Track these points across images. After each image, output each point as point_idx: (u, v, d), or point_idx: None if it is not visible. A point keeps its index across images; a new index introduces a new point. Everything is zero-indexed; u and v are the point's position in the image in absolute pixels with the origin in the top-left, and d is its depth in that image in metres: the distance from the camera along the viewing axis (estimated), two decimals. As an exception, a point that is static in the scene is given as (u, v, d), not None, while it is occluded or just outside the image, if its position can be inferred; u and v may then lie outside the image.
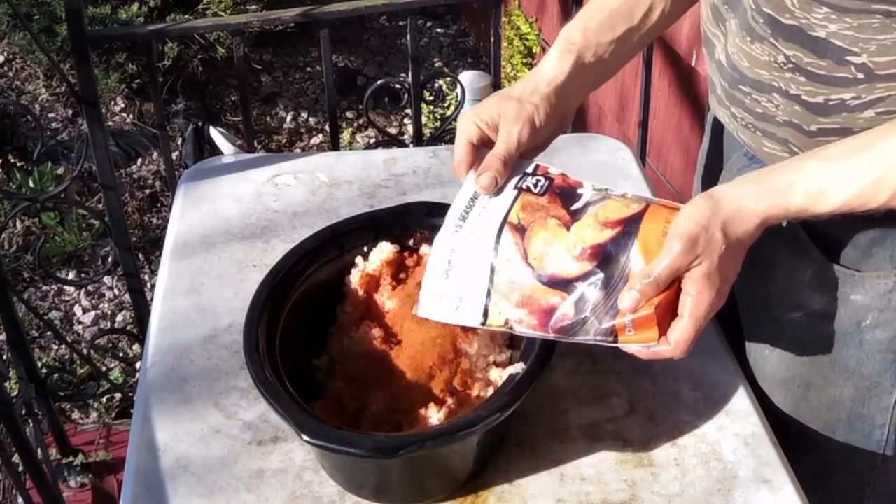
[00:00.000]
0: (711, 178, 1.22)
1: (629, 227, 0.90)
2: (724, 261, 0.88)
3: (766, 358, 1.14)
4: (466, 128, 1.01)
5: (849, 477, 1.17)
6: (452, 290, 0.92)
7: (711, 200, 0.89)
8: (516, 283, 0.90)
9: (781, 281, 1.08)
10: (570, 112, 1.08)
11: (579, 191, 0.94)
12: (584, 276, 0.88)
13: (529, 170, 0.97)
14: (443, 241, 0.94)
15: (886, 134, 0.87)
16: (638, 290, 0.87)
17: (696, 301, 0.88)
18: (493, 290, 0.90)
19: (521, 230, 0.91)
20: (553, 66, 1.05)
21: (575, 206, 0.92)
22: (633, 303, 0.87)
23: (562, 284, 0.89)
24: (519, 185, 0.95)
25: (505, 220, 0.92)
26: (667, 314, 0.88)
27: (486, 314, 0.91)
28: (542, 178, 0.95)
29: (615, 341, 0.88)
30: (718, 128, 1.18)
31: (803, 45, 0.93)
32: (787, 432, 1.10)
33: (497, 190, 0.96)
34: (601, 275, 0.88)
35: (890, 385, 1.07)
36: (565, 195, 0.93)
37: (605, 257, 0.89)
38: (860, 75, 0.91)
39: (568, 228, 0.90)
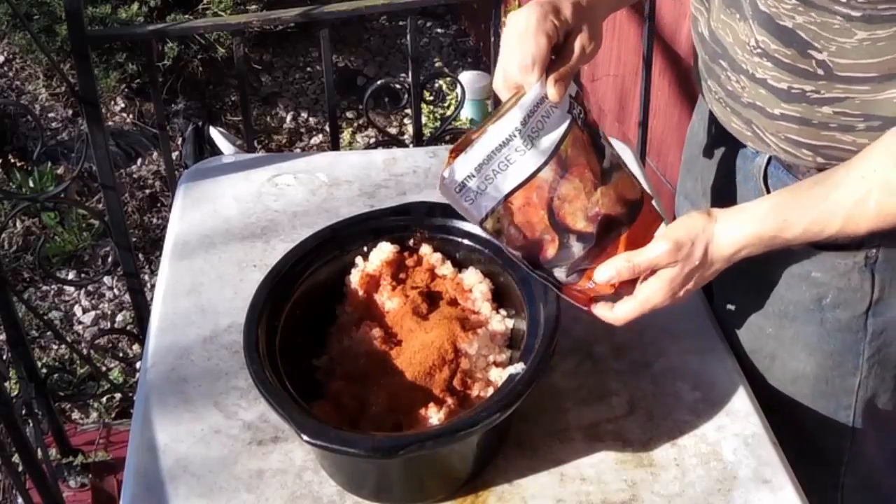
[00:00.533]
0: (694, 148, 1.25)
1: (631, 212, 0.99)
2: (691, 274, 0.96)
3: (733, 327, 1.16)
4: (545, 23, 0.94)
5: (824, 446, 1.17)
6: (479, 181, 0.93)
7: (708, 219, 0.96)
8: (530, 206, 0.95)
9: None
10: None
11: (602, 141, 0.98)
12: (582, 234, 0.96)
13: (573, 93, 0.97)
14: (504, 131, 0.92)
15: (842, 168, 0.92)
16: (615, 269, 0.97)
17: (651, 293, 0.97)
18: (511, 200, 0.94)
19: (563, 167, 0.94)
20: None
21: (604, 165, 0.97)
22: (607, 277, 0.97)
23: (562, 229, 0.96)
24: (571, 112, 0.95)
25: (557, 149, 0.94)
26: (624, 286, 0.99)
27: (488, 216, 0.95)
28: (581, 108, 0.97)
29: (562, 292, 0.99)
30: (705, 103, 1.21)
31: (772, 33, 0.95)
32: (762, 396, 1.11)
33: (552, 118, 0.94)
34: (594, 240, 0.97)
35: (853, 366, 1.09)
36: (596, 144, 0.97)
37: (605, 227, 0.97)
38: (820, 71, 0.93)
39: (595, 189, 0.96)
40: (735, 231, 0.95)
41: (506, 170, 0.92)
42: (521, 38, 0.94)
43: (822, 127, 0.97)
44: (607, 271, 0.97)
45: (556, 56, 0.95)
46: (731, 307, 1.16)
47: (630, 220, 0.99)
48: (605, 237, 0.97)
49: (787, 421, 1.13)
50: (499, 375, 0.98)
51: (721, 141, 1.15)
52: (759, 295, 1.11)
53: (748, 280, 1.11)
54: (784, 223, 0.93)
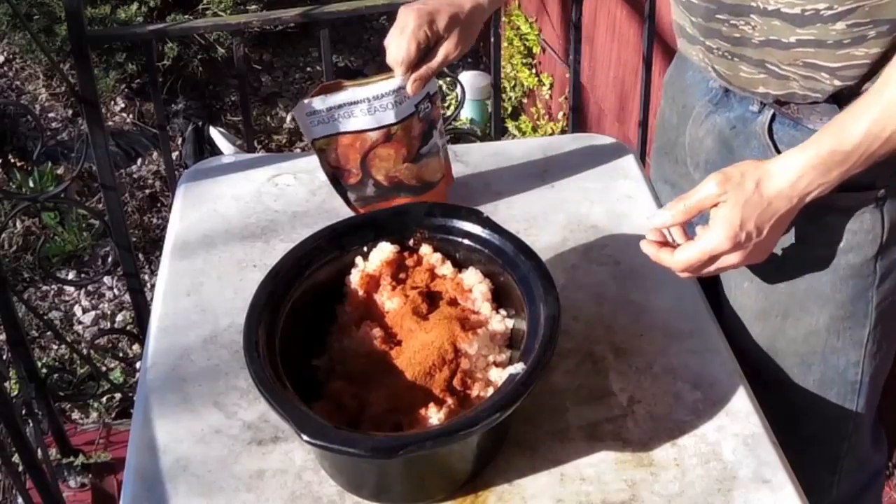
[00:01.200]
0: (669, 133, 1.27)
1: (423, 186, 1.28)
2: (748, 210, 0.95)
3: (744, 290, 1.16)
4: (419, 32, 1.15)
5: (823, 422, 1.18)
6: (326, 116, 1.19)
7: (757, 163, 0.97)
8: (352, 147, 1.22)
9: None
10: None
11: (434, 132, 1.24)
12: (377, 182, 1.25)
13: (432, 90, 1.21)
14: (358, 95, 1.18)
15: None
16: (669, 212, 1.00)
17: (711, 235, 0.97)
18: (341, 138, 1.21)
19: (388, 138, 1.21)
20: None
21: (422, 150, 1.24)
22: (661, 221, 1.01)
23: (366, 172, 1.24)
24: (418, 105, 1.21)
25: (389, 126, 1.20)
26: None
27: (321, 138, 1.21)
28: (429, 104, 1.22)
29: (349, 204, 1.29)
30: (677, 82, 1.24)
31: None
32: (760, 370, 1.11)
33: (402, 105, 1.19)
34: (382, 190, 1.26)
35: (863, 315, 1.10)
36: (426, 133, 1.23)
37: (395, 187, 1.26)
38: None
39: (403, 162, 1.23)
40: (790, 159, 0.94)
41: (347, 119, 1.19)
42: (398, 37, 1.16)
43: (837, 46, 0.98)
44: (661, 215, 1.01)
45: (423, 58, 1.16)
46: (739, 270, 1.15)
47: (419, 192, 1.27)
48: (391, 191, 1.27)
49: (788, 390, 1.13)
50: (499, 375, 0.98)
51: (710, 111, 1.15)
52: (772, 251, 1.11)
53: None
54: (841, 133, 0.92)
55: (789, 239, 1.08)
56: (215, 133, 3.30)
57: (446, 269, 1.08)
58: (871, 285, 1.09)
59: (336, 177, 1.26)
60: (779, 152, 1.06)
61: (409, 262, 1.09)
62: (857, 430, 1.19)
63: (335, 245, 1.09)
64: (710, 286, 1.20)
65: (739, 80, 1.09)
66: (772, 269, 1.11)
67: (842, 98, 1.01)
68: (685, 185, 1.22)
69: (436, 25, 1.15)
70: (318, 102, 1.18)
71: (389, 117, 1.19)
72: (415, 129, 1.22)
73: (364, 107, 1.18)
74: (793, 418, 1.15)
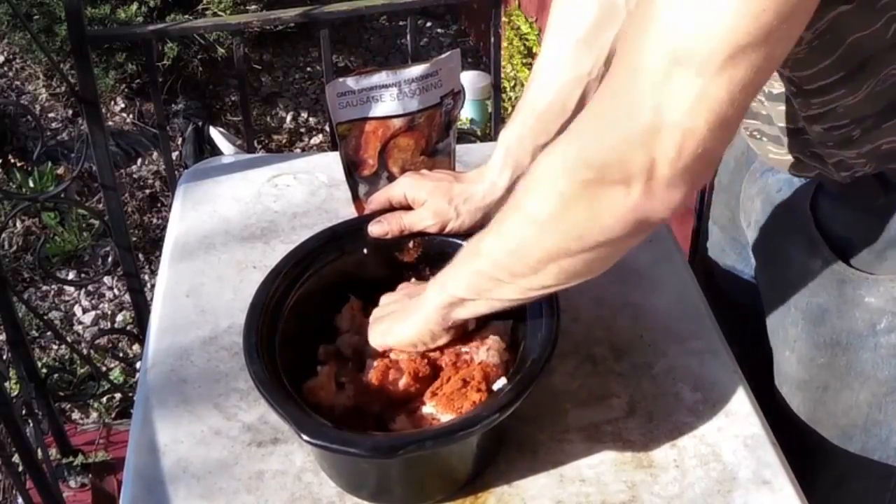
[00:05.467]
0: (723, 175, 1.24)
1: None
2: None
3: (786, 359, 1.14)
4: (398, 190, 1.12)
5: (867, 485, 1.16)
6: (358, 98, 1.18)
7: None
8: (374, 135, 1.21)
9: (797, 281, 1.08)
10: None
11: (449, 133, 1.25)
12: (392, 175, 1.22)
13: (458, 88, 1.22)
14: (391, 79, 1.18)
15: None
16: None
17: None
18: (367, 124, 1.20)
19: (411, 126, 1.21)
20: (494, 178, 1.10)
21: (438, 146, 1.24)
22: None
23: (382, 163, 1.23)
24: (443, 99, 1.21)
25: (413, 114, 1.20)
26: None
27: (346, 122, 1.19)
28: (452, 104, 1.23)
29: (355, 201, 1.28)
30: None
31: None
32: (804, 440, 1.10)
33: (429, 93, 1.20)
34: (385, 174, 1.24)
35: None
36: (443, 130, 1.24)
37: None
38: (793, 88, 0.92)
39: (420, 154, 1.23)
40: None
41: (376, 103, 1.18)
42: (422, 190, 1.10)
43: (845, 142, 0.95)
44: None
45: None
46: (781, 338, 1.14)
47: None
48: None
49: (832, 457, 1.11)
50: (499, 377, 0.98)
51: (766, 169, 1.12)
52: (811, 325, 1.09)
53: (799, 311, 1.09)
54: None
55: (829, 313, 1.06)
56: (215, 133, 3.30)
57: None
58: None
59: (350, 168, 1.25)
60: (819, 228, 1.04)
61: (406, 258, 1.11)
62: None
63: (335, 246, 1.09)
64: (759, 349, 1.18)
65: (771, 161, 1.06)
66: (811, 342, 1.09)
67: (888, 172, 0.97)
68: (738, 236, 1.22)
69: (461, 217, 1.10)
70: (352, 82, 1.17)
71: (414, 104, 1.19)
72: (436, 121, 1.22)
73: (394, 91, 1.18)
74: (837, 483, 1.13)
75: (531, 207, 0.84)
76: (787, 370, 1.14)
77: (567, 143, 0.82)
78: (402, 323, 0.99)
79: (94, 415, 2.40)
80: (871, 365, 1.06)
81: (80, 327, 2.77)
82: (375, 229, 1.09)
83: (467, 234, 1.08)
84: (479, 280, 0.91)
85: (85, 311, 2.82)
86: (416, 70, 1.17)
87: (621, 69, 0.76)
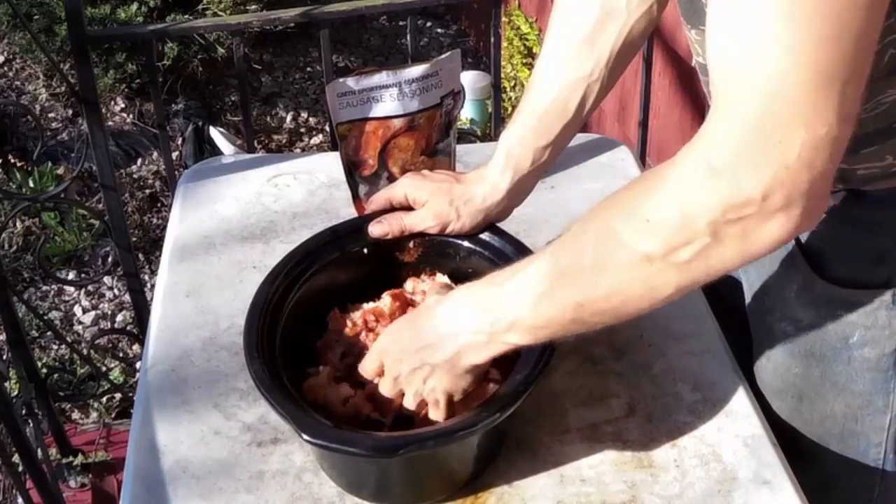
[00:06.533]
0: None
1: None
2: (387, 339, 0.96)
3: (763, 366, 1.14)
4: (399, 190, 1.11)
5: (848, 493, 1.15)
6: (357, 98, 1.18)
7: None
8: (375, 135, 1.20)
9: (773, 291, 1.08)
10: (501, 215, 1.11)
11: (450, 133, 1.24)
12: (392, 175, 1.22)
13: (458, 88, 1.21)
14: (391, 79, 1.16)
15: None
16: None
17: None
18: (367, 124, 1.20)
19: (411, 126, 1.20)
20: (495, 180, 1.09)
21: (438, 146, 1.24)
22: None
23: (382, 164, 1.22)
24: (444, 99, 1.20)
25: (414, 114, 1.19)
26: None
27: (346, 123, 1.18)
28: (452, 104, 1.22)
29: (355, 201, 1.26)
30: None
31: None
32: (786, 445, 1.10)
33: (429, 93, 1.19)
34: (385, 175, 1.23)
35: (883, 405, 1.06)
36: (443, 131, 1.23)
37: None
38: None
39: (420, 154, 1.22)
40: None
41: (376, 104, 1.17)
42: (423, 191, 1.09)
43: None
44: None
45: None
46: (758, 345, 1.14)
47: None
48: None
49: (814, 463, 1.11)
50: (499, 377, 0.98)
51: None
52: (785, 335, 1.08)
53: (775, 320, 1.09)
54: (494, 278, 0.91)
55: (803, 324, 1.05)
56: (215, 133, 3.30)
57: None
58: (891, 378, 1.04)
59: (350, 168, 1.25)
60: (796, 239, 1.02)
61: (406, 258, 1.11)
62: (884, 494, 1.15)
63: (336, 246, 1.09)
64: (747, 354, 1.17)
65: None
66: (786, 351, 1.09)
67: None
68: None
69: (462, 219, 1.09)
70: (353, 82, 1.16)
71: (414, 105, 1.19)
72: (436, 121, 1.22)
73: (394, 91, 1.18)
74: (823, 487, 1.12)
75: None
76: (764, 377, 1.14)
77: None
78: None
79: (94, 415, 2.40)
80: (845, 377, 1.05)
81: (80, 327, 2.77)
82: (376, 230, 1.09)
83: (468, 235, 1.08)
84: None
85: (85, 311, 2.82)
86: (417, 70, 1.16)
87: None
